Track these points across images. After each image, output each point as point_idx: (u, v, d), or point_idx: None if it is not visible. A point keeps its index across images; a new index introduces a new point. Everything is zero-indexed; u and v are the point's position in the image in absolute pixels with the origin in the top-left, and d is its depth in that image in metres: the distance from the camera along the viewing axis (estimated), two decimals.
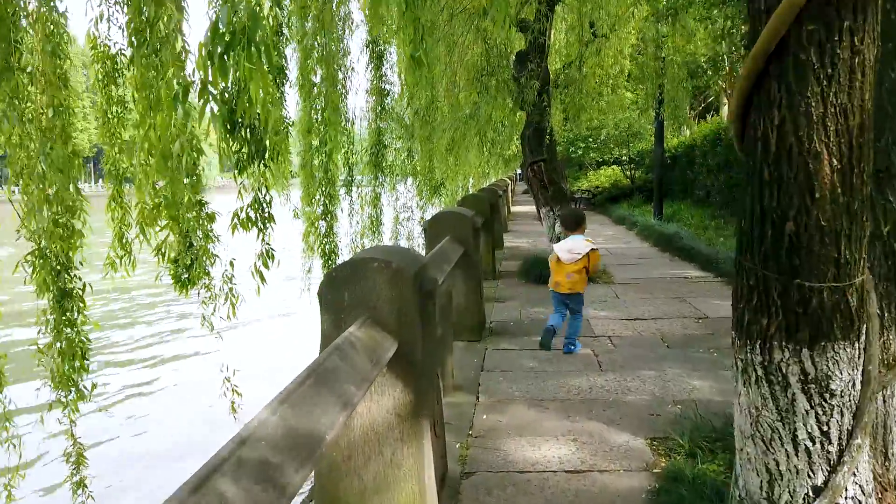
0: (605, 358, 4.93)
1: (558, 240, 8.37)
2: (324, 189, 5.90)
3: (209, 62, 2.35)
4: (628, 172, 20.30)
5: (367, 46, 9.32)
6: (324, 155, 5.79)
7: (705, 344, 5.22)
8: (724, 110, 23.35)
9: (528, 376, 4.54)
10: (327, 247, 6.00)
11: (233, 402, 4.48)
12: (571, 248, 5.23)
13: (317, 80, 6.33)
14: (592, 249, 5.23)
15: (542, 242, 9.70)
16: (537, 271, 8.09)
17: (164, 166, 3.02)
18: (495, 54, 7.88)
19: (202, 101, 2.45)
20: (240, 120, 3.92)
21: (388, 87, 9.78)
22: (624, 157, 20.55)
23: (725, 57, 12.85)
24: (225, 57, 2.41)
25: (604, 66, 16.71)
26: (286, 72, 5.44)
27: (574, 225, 5.46)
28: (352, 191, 9.25)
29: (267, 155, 4.10)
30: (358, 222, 9.61)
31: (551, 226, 8.37)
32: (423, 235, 7.53)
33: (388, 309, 2.58)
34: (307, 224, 6.34)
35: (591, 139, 20.07)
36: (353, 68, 8.82)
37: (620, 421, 3.67)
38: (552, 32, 11.80)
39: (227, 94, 3.87)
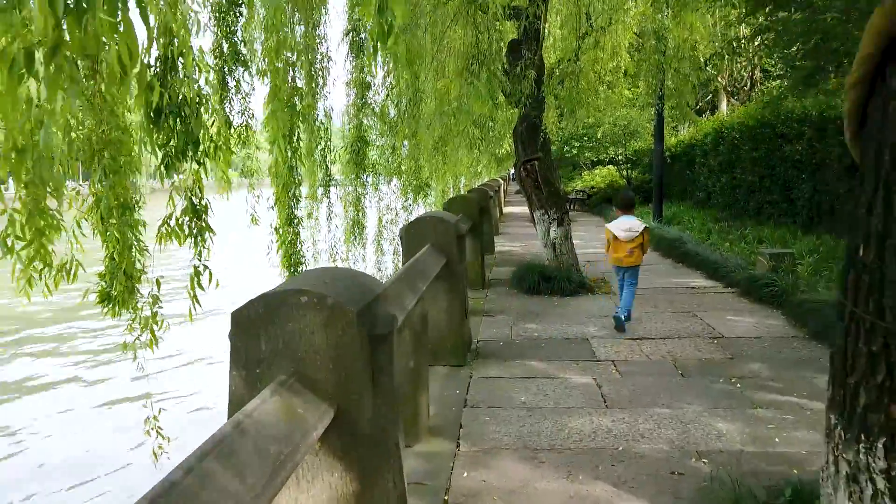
0: (610, 389, 4.21)
1: (553, 246, 7.68)
2: (289, 191, 5.15)
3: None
4: (624, 172, 19.62)
5: (347, 35, 8.59)
6: (287, 151, 5.04)
7: (725, 372, 4.50)
8: (723, 108, 22.73)
9: (519, 415, 3.81)
10: (293, 257, 5.25)
11: (154, 450, 3.72)
12: (630, 227, 5.76)
13: (293, 77, 5.61)
14: (646, 227, 5.85)
15: (536, 246, 9.00)
16: (532, 279, 7.37)
17: (19, 163, 2.28)
18: (486, 41, 7.14)
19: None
20: (166, 105, 3.20)
21: (370, 79, 9.06)
22: (620, 157, 19.87)
23: (729, 50, 12.17)
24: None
25: (601, 60, 16.05)
26: (240, 55, 4.69)
27: (628, 206, 5.98)
28: (329, 192, 8.51)
29: (201, 149, 3.35)
30: (337, 226, 8.87)
31: (546, 230, 7.65)
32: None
33: (321, 362, 1.84)
34: (277, 232, 5.58)
35: (586, 138, 19.38)
36: (330, 57, 8.10)
37: (634, 482, 2.94)
38: (546, 26, 11.11)
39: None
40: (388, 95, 9.02)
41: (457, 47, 8.20)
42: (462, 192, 13.06)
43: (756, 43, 19.13)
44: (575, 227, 14.91)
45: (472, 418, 3.78)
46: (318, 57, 7.76)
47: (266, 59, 4.96)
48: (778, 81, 20.85)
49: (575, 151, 20.42)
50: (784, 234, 9.53)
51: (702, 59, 11.90)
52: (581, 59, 12.71)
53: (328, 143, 8.17)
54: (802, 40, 8.56)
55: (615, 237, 5.78)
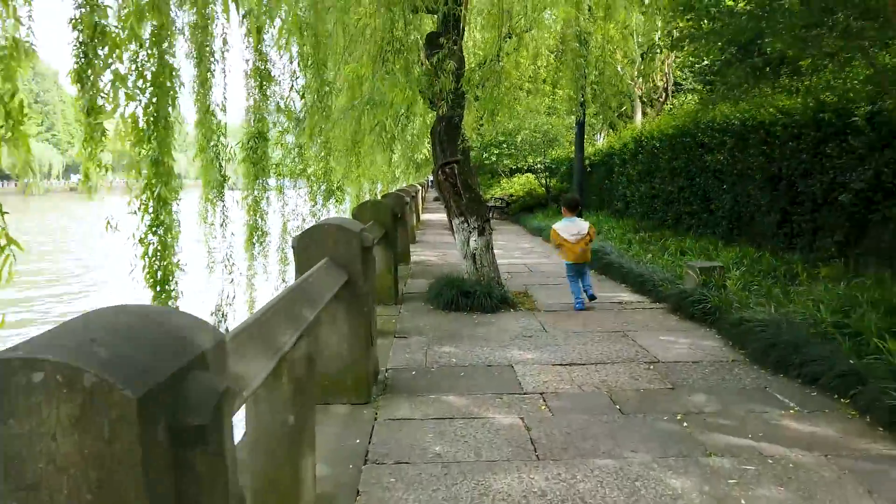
0: (540, 433, 3.53)
1: (473, 257, 7.02)
2: (154, 190, 4.19)
3: None
4: (543, 181, 19.40)
5: (244, 18, 7.62)
6: (153, 140, 4.09)
7: (668, 407, 3.93)
8: (638, 118, 23.01)
9: (433, 473, 3.06)
10: (159, 272, 4.28)
11: None
12: (578, 231, 6.74)
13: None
14: (591, 225, 6.95)
15: (454, 256, 8.35)
16: (450, 294, 6.67)
17: None
18: (401, 28, 6.41)
19: None
20: None
21: (273, 69, 8.13)
22: (539, 165, 19.65)
23: (651, 57, 12.03)
24: None
25: (522, 64, 15.70)
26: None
27: (573, 207, 7.03)
28: (223, 194, 7.51)
29: None
30: (234, 233, 7.85)
31: (465, 240, 6.98)
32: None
33: (73, 491, 1.02)
34: (141, 242, 4.56)
35: (505, 145, 19.03)
36: (227, 41, 7.16)
37: None
38: (467, 25, 10.56)
39: None
40: (292, 87, 8.10)
41: (370, 36, 7.42)
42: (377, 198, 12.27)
43: (674, 53, 19.43)
44: (494, 237, 14.44)
45: (374, 480, 3.00)
46: (211, 39, 6.81)
47: (127, 29, 3.99)
48: (690, 95, 21.33)
49: (494, 158, 20.05)
50: (705, 245, 9.31)
51: (623, 64, 11.68)
52: (503, 60, 12.25)
53: (221, 138, 7.19)
54: (727, 48, 8.37)
55: (565, 240, 6.76)
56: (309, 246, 4.03)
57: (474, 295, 6.62)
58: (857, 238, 6.89)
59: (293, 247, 4.32)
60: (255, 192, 8.22)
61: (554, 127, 17.47)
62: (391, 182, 25.55)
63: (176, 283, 4.41)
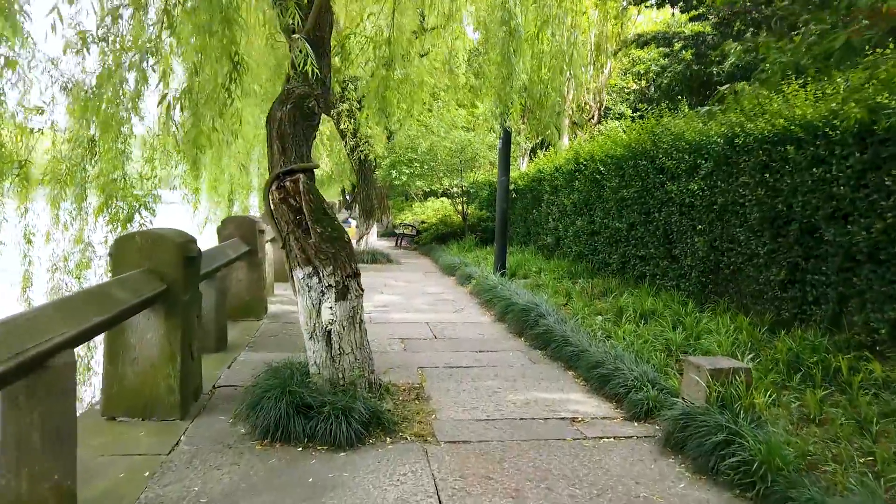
0: None
1: (326, 337, 4.01)
2: None
3: None
4: (460, 207, 16.69)
5: None
6: None
7: None
8: (565, 141, 20.88)
9: None
10: None
11: None
12: None
13: None
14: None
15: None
16: (277, 410, 3.64)
17: None
18: None
19: None
20: None
21: None
22: (455, 189, 16.94)
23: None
24: None
25: (434, 70, 13.00)
26: None
27: None
28: None
29: None
30: None
31: (314, 307, 4.00)
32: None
33: None
34: None
35: (417, 163, 16.20)
36: None
37: None
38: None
39: None
40: None
41: None
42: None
43: (608, 68, 17.37)
44: (394, 273, 11.30)
45: None
46: None
47: None
48: (617, 122, 19.36)
49: (405, 178, 17.15)
50: (674, 307, 6.76)
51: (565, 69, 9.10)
52: (412, 58, 9.52)
53: None
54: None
55: None
56: None
57: (321, 411, 3.63)
58: None
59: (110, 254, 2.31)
60: None
61: (473, 144, 14.83)
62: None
63: None
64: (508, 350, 6.03)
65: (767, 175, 5.90)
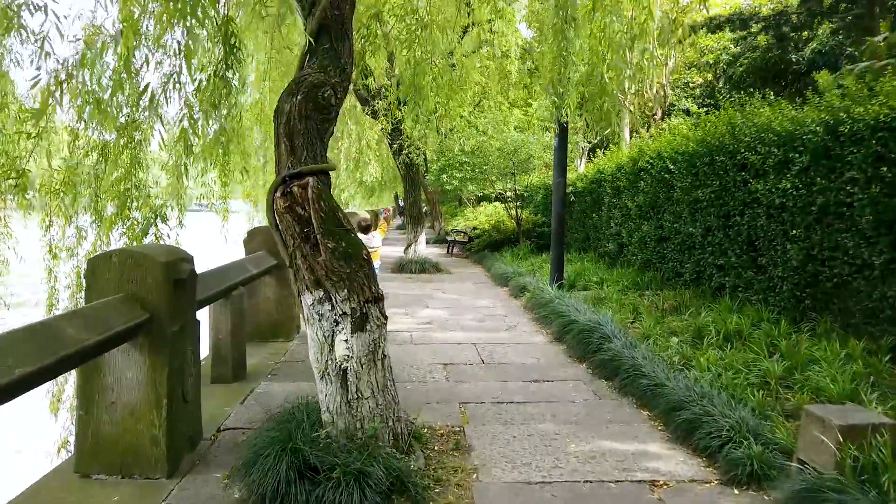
0: None
1: (342, 377, 3.25)
2: None
3: None
4: (513, 212, 15.80)
5: None
6: None
7: None
8: (625, 142, 19.73)
9: None
10: None
11: None
12: (373, 245, 7.89)
13: None
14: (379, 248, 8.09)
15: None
16: (276, 473, 2.90)
17: None
18: None
19: None
20: None
21: None
22: (509, 193, 16.05)
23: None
24: None
25: (484, 67, 12.22)
26: None
27: (366, 231, 8.18)
28: None
29: None
30: None
31: (326, 340, 3.25)
32: None
33: None
34: None
35: (468, 166, 15.41)
36: None
37: None
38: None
39: None
40: None
41: None
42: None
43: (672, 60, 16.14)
44: (443, 285, 10.49)
45: None
46: None
47: None
48: (678, 119, 18.05)
49: (456, 183, 16.37)
50: (767, 326, 5.72)
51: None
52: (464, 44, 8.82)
53: None
54: None
55: None
56: None
57: (330, 476, 2.88)
58: None
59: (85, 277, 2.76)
60: None
61: (527, 144, 13.91)
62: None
63: None
64: (568, 379, 5.15)
65: (884, 169, 4.85)
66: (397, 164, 13.44)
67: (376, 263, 8.91)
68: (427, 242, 17.47)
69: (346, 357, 3.21)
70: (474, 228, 17.56)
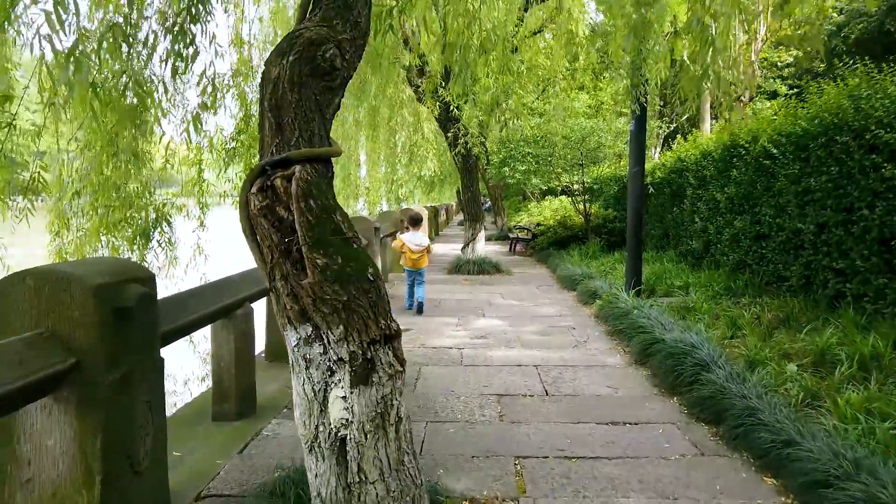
0: None
1: (340, 447, 2.31)
2: None
3: None
4: (581, 206, 14.52)
5: None
6: None
7: None
8: (707, 126, 18.04)
9: None
10: None
11: None
12: (419, 242, 8.00)
13: None
14: (430, 244, 8.21)
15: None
16: None
17: None
18: None
19: None
20: None
21: None
22: (577, 185, 14.78)
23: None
24: None
25: (553, 49, 11.04)
26: None
27: (416, 224, 8.25)
28: None
29: None
30: None
31: (315, 394, 2.29)
32: None
33: None
34: None
35: (531, 158, 14.24)
36: None
37: None
38: None
39: None
40: None
41: None
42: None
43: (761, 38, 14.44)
44: (502, 288, 9.43)
45: None
46: None
47: None
48: (772, 101, 16.22)
49: (519, 176, 15.22)
50: None
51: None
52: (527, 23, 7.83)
53: None
54: None
55: (410, 249, 7.93)
56: None
57: None
58: None
59: None
60: None
61: (596, 132, 12.62)
62: (398, 201, 20.81)
63: None
64: (656, 422, 4.02)
65: None
66: (453, 156, 12.45)
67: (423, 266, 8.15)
68: (488, 239, 16.41)
69: (343, 422, 2.24)
70: (538, 224, 16.37)
